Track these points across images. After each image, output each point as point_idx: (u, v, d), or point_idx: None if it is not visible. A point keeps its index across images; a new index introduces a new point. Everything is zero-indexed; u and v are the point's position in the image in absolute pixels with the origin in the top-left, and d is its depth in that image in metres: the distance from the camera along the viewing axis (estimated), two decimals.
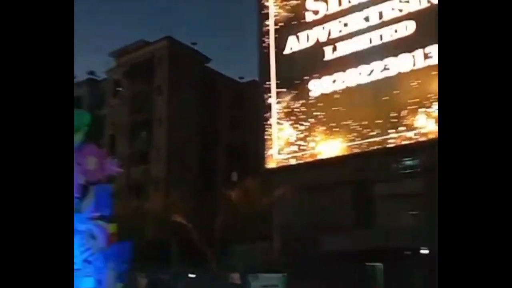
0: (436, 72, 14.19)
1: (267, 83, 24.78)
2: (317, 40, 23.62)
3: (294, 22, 24.61)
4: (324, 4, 23.68)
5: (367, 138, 21.20)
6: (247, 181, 23.41)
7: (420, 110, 19.93)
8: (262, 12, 25.86)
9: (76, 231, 7.07)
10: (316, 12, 23.93)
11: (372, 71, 21.64)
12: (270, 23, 25.42)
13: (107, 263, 7.30)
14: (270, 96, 24.59)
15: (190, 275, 21.75)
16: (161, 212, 24.80)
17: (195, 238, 22.63)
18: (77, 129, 7.58)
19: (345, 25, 22.89)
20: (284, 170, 23.32)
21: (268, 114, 24.45)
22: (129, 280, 7.55)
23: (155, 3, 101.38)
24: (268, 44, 25.20)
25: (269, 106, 24.51)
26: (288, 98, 24.08)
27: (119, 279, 7.38)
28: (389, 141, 20.61)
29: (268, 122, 24.37)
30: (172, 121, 35.53)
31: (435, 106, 19.07)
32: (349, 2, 22.92)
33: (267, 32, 25.40)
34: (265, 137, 24.40)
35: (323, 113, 22.80)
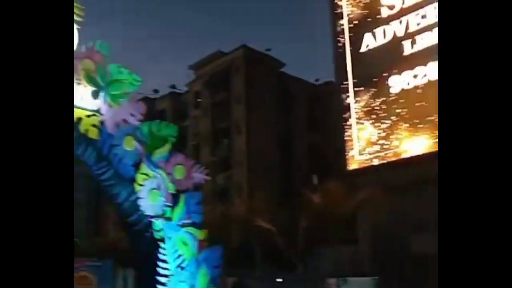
0: None
1: (344, 83, 24.37)
2: (395, 35, 22.86)
3: (369, 19, 24.03)
4: None
5: None
6: (329, 183, 23.15)
7: None
8: (335, 12, 25.54)
9: (168, 238, 7.44)
10: (391, 7, 23.19)
11: None
12: (344, 22, 25.03)
13: (200, 268, 7.58)
14: (348, 96, 24.14)
15: (277, 279, 21.88)
16: (245, 216, 25.24)
17: (279, 242, 22.75)
18: (165, 140, 8.01)
19: (423, 17, 21.95)
20: (366, 171, 22.74)
21: (347, 114, 24.00)
22: (220, 285, 7.77)
23: (229, 15, 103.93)
24: (343, 44, 24.79)
25: (348, 106, 24.04)
26: (367, 96, 23.51)
27: (211, 283, 7.64)
28: None
29: (348, 123, 23.93)
30: (252, 127, 36.13)
31: None
32: None
33: (342, 32, 25.00)
34: (345, 138, 23.99)
35: (406, 110, 21.94)
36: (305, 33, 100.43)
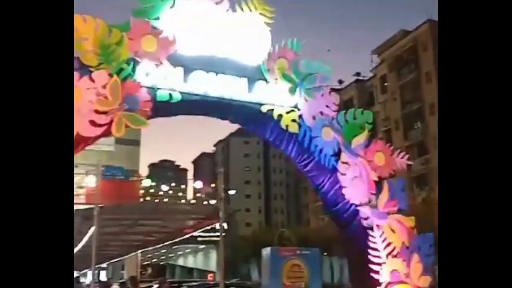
0: None
1: None
2: None
3: None
4: None
5: None
6: None
7: None
8: None
9: (376, 226, 7.34)
10: None
11: None
12: None
13: (412, 257, 7.28)
14: None
15: None
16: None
17: None
18: (361, 127, 7.93)
19: None
20: None
21: None
22: (433, 274, 7.32)
23: None
24: None
25: None
26: None
27: (425, 272, 7.27)
28: None
29: None
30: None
31: None
32: None
33: None
34: None
35: None
36: None
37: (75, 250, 14.42)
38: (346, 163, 7.60)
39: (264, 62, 7.61)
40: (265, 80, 7.56)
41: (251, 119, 7.61)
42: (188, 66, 6.99)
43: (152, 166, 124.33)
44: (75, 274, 19.71)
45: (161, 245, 15.07)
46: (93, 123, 6.04)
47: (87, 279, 33.09)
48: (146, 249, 16.55)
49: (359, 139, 7.78)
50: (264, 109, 7.47)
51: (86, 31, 6.13)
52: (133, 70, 6.51)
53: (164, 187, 46.70)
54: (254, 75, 7.51)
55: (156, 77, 6.70)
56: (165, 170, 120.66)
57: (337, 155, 7.67)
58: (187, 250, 47.72)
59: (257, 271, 38.12)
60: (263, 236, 33.46)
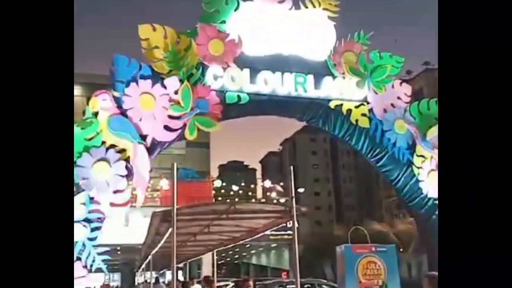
0: None
1: None
2: None
3: None
4: None
5: None
6: None
7: None
8: None
9: None
10: None
11: None
12: None
13: None
14: None
15: None
16: None
17: None
18: (436, 119, 7.59)
19: None
20: None
21: None
22: None
23: None
24: None
25: None
26: None
27: None
28: None
29: None
30: None
31: None
32: None
33: None
34: None
35: None
36: None
37: (153, 251, 15.02)
38: (421, 156, 7.31)
39: (330, 57, 7.52)
40: (332, 75, 7.46)
41: (319, 115, 7.54)
42: (254, 66, 7.06)
43: (221, 167, 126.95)
44: (154, 274, 20.54)
45: (235, 244, 15.33)
46: (167, 128, 6.27)
47: (166, 279, 34.43)
48: (221, 249, 16.90)
49: (434, 131, 7.45)
50: (332, 104, 7.38)
51: (156, 39, 6.37)
52: (202, 74, 6.68)
53: (235, 187, 47.51)
54: (321, 71, 7.44)
55: (225, 79, 6.83)
56: (234, 171, 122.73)
57: (411, 148, 7.40)
58: (259, 249, 48.25)
59: (330, 269, 37.72)
60: (335, 234, 33.01)
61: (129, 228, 23.58)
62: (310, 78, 7.33)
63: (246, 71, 7.00)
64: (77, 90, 69.77)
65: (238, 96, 6.91)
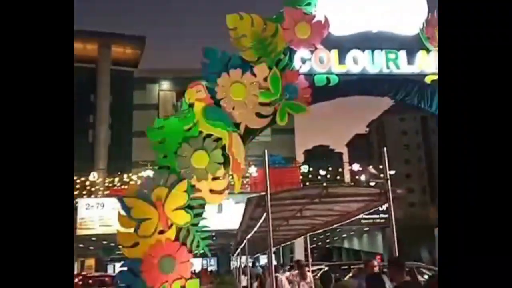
0: None
1: None
2: None
3: None
4: None
5: None
6: None
7: None
8: None
9: None
10: None
11: None
12: None
13: None
14: None
15: None
16: None
17: None
18: None
19: None
20: None
21: None
22: None
23: None
24: None
25: None
26: None
27: None
28: None
29: None
30: None
31: None
32: None
33: None
34: None
35: None
36: None
37: (248, 236, 15.43)
38: None
39: (423, 30, 7.13)
40: (426, 49, 7.08)
41: (414, 92, 7.20)
42: (343, 46, 6.91)
43: (307, 152, 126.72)
44: (249, 259, 21.10)
45: (327, 228, 15.31)
46: (259, 115, 6.36)
47: (260, 263, 35.25)
48: (313, 233, 16.95)
49: None
50: (428, 79, 7.01)
51: (244, 28, 6.46)
52: (290, 59, 6.66)
53: (322, 172, 47.16)
54: (413, 46, 7.08)
55: (313, 62, 6.76)
56: (320, 155, 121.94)
57: None
58: (351, 233, 47.67)
59: (427, 253, 36.28)
60: (432, 217, 31.63)
61: (222, 214, 24.44)
62: (403, 53, 7.02)
63: (334, 52, 6.88)
64: (165, 85, 72.62)
65: (327, 78, 6.81)
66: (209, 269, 36.36)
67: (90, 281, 29.76)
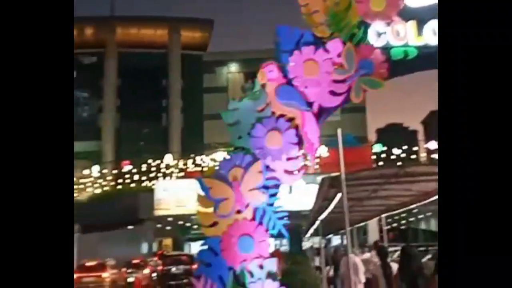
0: None
1: None
2: None
3: None
4: None
5: None
6: None
7: None
8: None
9: None
10: None
11: None
12: None
13: None
14: None
15: None
16: None
17: None
18: None
19: None
20: None
21: None
22: None
23: None
24: None
25: None
26: None
27: None
28: None
29: None
30: None
31: None
32: None
33: None
34: None
35: None
36: None
37: (321, 217, 15.35)
38: None
39: None
40: None
41: None
42: (420, 17, 6.52)
43: (379, 131, 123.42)
44: (323, 240, 21.02)
45: (404, 209, 14.89)
46: (332, 93, 6.19)
47: (332, 244, 35.10)
48: (388, 214, 16.59)
49: None
50: None
51: (315, 3, 6.28)
52: (365, 33, 6.40)
53: (396, 151, 45.75)
54: None
55: (388, 35, 6.45)
56: (394, 134, 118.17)
57: None
58: (427, 214, 46.03)
59: None
60: None
61: (292, 195, 24.52)
62: None
63: (412, 23, 6.51)
64: (234, 67, 73.61)
65: (405, 51, 6.47)
66: (281, 249, 36.75)
67: (166, 260, 31.20)
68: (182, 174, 49.62)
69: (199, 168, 47.52)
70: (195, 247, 47.23)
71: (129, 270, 29.93)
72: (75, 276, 27.00)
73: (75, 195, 59.87)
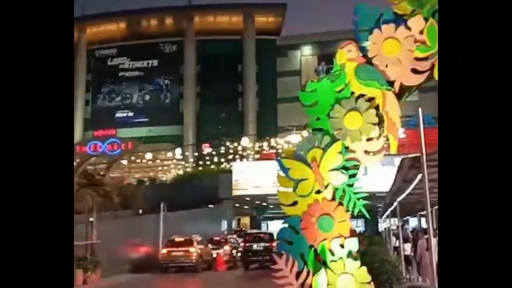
0: None
1: None
2: None
3: None
4: None
5: None
6: None
7: None
8: None
9: None
10: None
11: None
12: None
13: None
14: None
15: None
16: None
17: None
18: None
19: None
20: None
21: None
22: None
23: None
24: None
25: None
26: None
27: None
28: None
29: None
30: None
31: None
32: None
33: None
34: None
35: None
36: None
37: (400, 198, 14.99)
38: None
39: None
40: None
41: None
42: None
43: None
44: (398, 222, 20.58)
45: None
46: (415, 71, 6.03)
47: (409, 225, 34.14)
48: None
49: None
50: None
51: None
52: None
53: None
54: None
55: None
56: None
57: None
58: None
59: None
60: None
61: (368, 176, 24.09)
62: None
63: None
64: (307, 50, 73.11)
65: None
66: (357, 230, 36.48)
67: (247, 237, 32.60)
68: (257, 156, 50.48)
69: (273, 150, 48.04)
70: (272, 226, 48.14)
71: (211, 246, 31.48)
72: (165, 250, 29.03)
73: (160, 175, 62.88)
